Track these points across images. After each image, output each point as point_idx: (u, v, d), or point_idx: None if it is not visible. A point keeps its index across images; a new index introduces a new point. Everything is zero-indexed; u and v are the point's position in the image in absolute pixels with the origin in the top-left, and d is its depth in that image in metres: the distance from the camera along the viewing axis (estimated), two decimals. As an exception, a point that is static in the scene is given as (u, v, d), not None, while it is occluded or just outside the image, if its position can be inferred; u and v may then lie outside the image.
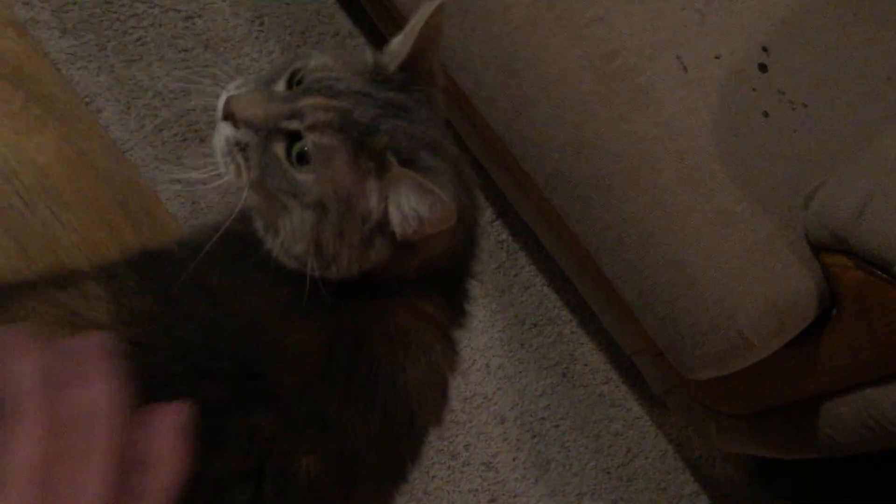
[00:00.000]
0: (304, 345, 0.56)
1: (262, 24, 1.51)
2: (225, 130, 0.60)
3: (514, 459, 1.42)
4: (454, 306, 0.66)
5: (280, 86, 0.61)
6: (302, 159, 0.57)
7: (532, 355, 1.46)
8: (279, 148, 0.58)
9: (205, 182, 0.63)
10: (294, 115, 0.58)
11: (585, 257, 1.17)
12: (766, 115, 1.03)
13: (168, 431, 0.40)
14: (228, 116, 0.60)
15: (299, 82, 0.61)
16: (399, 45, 0.62)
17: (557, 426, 1.45)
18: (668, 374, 1.31)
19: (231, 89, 0.62)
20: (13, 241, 0.79)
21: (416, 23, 0.61)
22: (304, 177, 0.57)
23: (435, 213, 0.54)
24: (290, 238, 0.59)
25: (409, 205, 0.55)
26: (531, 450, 1.43)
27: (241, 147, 0.59)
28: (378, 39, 1.52)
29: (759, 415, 1.23)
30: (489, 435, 1.41)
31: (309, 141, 0.57)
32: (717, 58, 1.05)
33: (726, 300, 0.97)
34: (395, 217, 0.57)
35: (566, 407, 1.47)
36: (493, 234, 1.50)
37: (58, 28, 1.40)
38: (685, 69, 1.04)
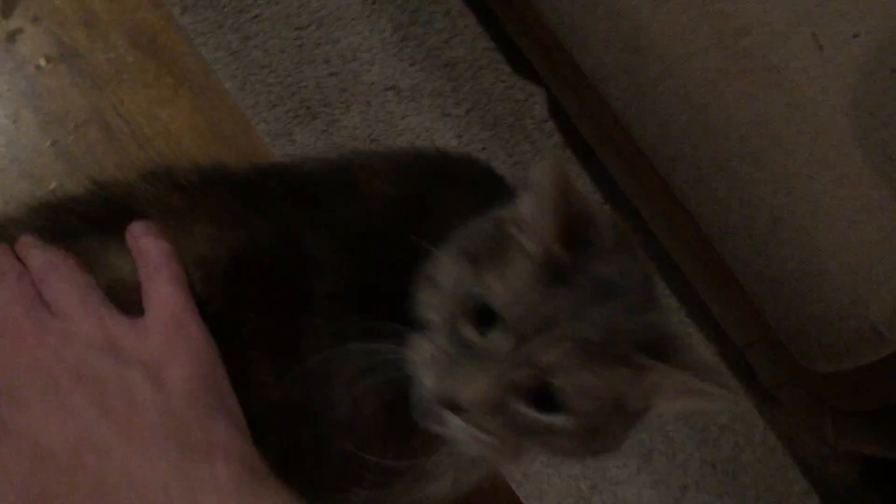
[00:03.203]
0: None
1: (374, 2, 1.51)
2: (453, 420, 0.49)
3: (616, 447, 1.40)
4: None
5: (468, 332, 0.49)
6: (546, 401, 0.48)
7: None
8: (520, 405, 0.48)
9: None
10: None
11: (699, 243, 1.14)
12: (906, 97, 0.98)
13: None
14: (449, 406, 0.48)
15: (489, 319, 0.49)
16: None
17: (661, 415, 1.42)
18: (782, 368, 1.26)
19: (426, 370, 0.49)
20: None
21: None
22: (558, 418, 0.48)
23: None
24: None
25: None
26: (634, 438, 1.39)
27: (476, 424, 0.49)
28: (489, 17, 1.51)
29: (882, 411, 1.18)
30: (591, 421, 1.39)
31: (556, 387, 0.48)
32: (855, 36, 1.00)
33: (858, 290, 0.93)
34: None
35: (671, 397, 1.43)
36: (600, 218, 1.47)
37: (178, 4, 1.44)
38: (821, 48, 0.99)
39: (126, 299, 0.46)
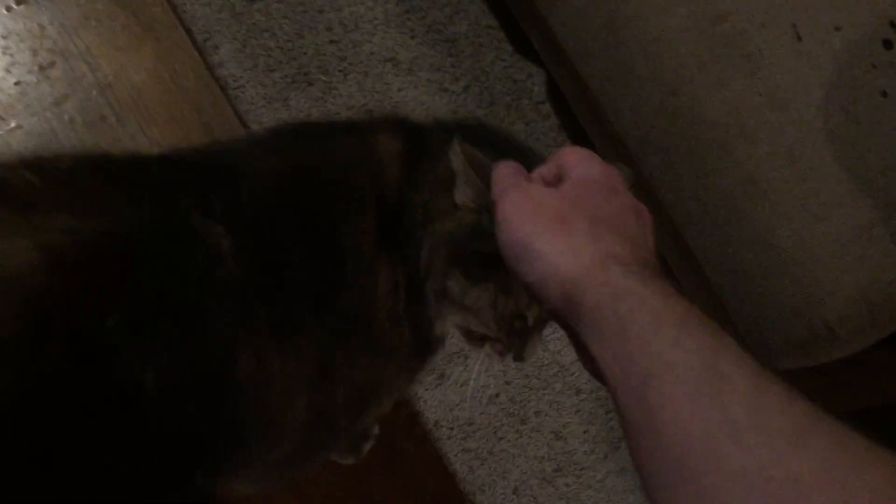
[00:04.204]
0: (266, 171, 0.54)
1: (381, -27, 1.51)
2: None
3: (584, 432, 1.39)
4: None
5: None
6: None
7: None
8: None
9: None
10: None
11: (674, 231, 1.13)
12: (884, 94, 0.95)
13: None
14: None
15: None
16: None
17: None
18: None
19: None
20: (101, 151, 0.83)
21: None
22: None
23: None
24: None
25: None
26: (603, 425, 1.39)
27: None
28: (504, 12, 1.50)
29: (848, 417, 1.16)
30: (562, 405, 1.39)
31: None
32: (836, 29, 0.97)
33: (814, 286, 0.91)
34: None
35: (646, 387, 1.42)
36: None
37: (186, -36, 1.46)
38: (799, 38, 0.97)
39: None
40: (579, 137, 1.44)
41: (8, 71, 0.81)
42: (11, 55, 0.82)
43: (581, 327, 0.43)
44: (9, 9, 0.83)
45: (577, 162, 0.51)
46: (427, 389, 1.30)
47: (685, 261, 1.16)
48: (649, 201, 1.13)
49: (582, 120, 1.35)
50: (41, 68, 0.83)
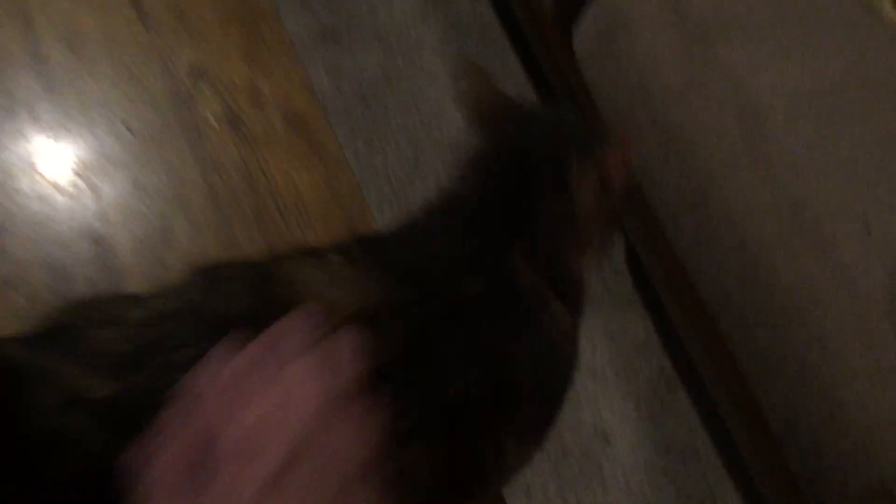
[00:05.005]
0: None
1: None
2: None
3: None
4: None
5: None
6: None
7: (673, 485, 1.50)
8: None
9: None
10: None
11: (743, 394, 1.22)
12: (943, 284, 1.08)
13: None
14: None
15: None
16: None
17: None
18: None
19: None
20: (267, 244, 0.99)
21: None
22: None
23: None
24: None
25: None
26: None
27: None
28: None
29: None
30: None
31: None
32: (901, 224, 1.11)
33: (874, 446, 1.00)
34: None
35: (698, 545, 1.47)
36: (655, 360, 1.57)
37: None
38: (869, 232, 1.10)
39: None
40: (654, 300, 1.57)
41: (200, 174, 0.97)
42: (202, 159, 0.98)
43: None
44: (207, 123, 1.00)
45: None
46: None
47: (741, 405, 1.25)
48: (721, 355, 1.24)
49: (657, 284, 1.48)
50: (227, 174, 0.99)
